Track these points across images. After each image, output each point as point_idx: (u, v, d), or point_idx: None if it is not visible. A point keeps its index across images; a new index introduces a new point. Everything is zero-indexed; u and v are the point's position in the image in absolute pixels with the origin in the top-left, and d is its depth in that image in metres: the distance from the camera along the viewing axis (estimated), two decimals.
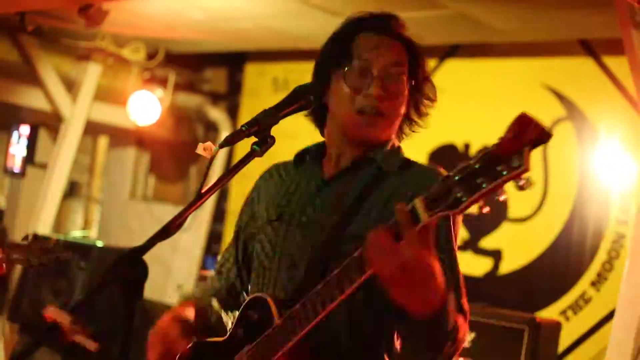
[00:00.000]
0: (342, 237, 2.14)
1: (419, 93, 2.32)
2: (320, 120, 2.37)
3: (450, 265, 2.14)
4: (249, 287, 2.35)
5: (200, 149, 1.96)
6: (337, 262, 1.95)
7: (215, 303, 2.45)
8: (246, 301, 2.21)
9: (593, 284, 5.39)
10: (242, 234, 2.45)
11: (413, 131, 2.38)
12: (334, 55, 2.27)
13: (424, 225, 1.70)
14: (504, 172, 1.61)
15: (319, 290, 1.95)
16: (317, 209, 2.23)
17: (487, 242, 5.79)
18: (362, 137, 2.23)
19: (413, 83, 2.28)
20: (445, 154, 6.04)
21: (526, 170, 1.60)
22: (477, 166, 1.63)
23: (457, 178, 1.65)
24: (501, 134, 1.62)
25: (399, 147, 2.33)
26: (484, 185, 1.62)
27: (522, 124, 1.59)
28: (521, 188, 1.61)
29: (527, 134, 1.61)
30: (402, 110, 2.27)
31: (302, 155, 2.40)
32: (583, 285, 5.43)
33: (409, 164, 2.29)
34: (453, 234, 2.20)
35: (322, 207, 2.23)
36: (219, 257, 2.55)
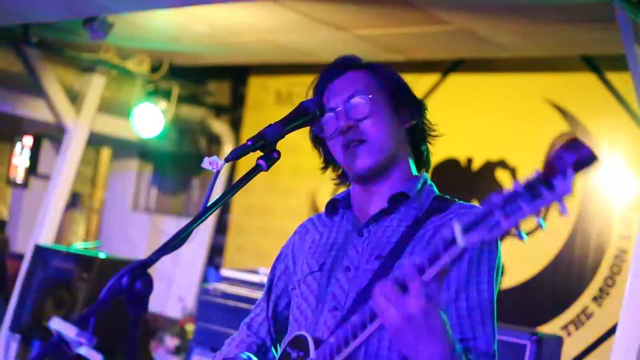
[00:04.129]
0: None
1: (404, 104, 2.30)
2: (323, 153, 2.40)
3: (472, 307, 2.11)
4: (286, 335, 2.29)
5: (206, 163, 1.96)
6: None
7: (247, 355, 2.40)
8: (288, 340, 2.18)
9: (595, 299, 5.39)
10: (275, 288, 2.42)
11: (429, 143, 2.41)
12: (315, 130, 2.31)
13: (458, 253, 1.67)
14: (545, 194, 1.56)
15: (339, 334, 1.94)
16: (360, 252, 2.20)
17: None
18: (355, 171, 2.22)
19: (393, 99, 2.27)
20: (448, 168, 6.05)
21: (569, 193, 1.55)
22: (520, 190, 1.60)
23: (498, 201, 1.63)
24: (547, 154, 1.58)
25: (429, 184, 2.33)
26: (525, 210, 1.59)
27: (570, 146, 1.55)
28: (562, 213, 1.56)
29: (573, 156, 1.56)
30: (385, 128, 2.23)
31: (334, 204, 2.37)
32: (585, 300, 5.42)
33: (444, 200, 2.27)
34: (487, 268, 2.15)
35: (365, 250, 2.20)
36: (250, 313, 2.50)
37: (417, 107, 2.33)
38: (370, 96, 2.22)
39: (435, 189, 2.32)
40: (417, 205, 2.22)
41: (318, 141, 2.37)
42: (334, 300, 2.16)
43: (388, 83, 2.30)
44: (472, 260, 2.12)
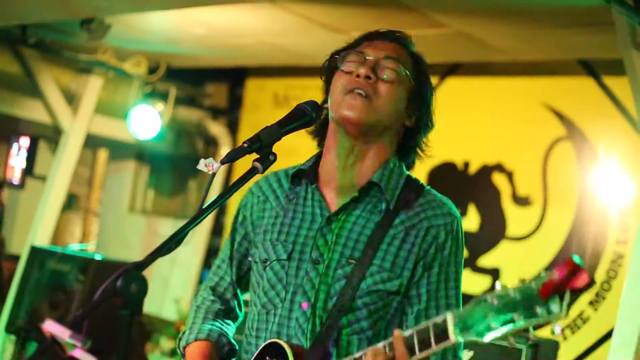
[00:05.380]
0: (358, 290, 2.14)
1: (418, 106, 2.30)
2: (322, 135, 2.34)
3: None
4: (255, 321, 2.29)
5: (201, 165, 1.95)
6: (351, 316, 2.12)
7: (224, 337, 2.39)
8: (265, 344, 2.19)
9: (591, 303, 5.39)
10: (236, 254, 2.41)
11: (421, 150, 2.36)
12: (337, 59, 2.28)
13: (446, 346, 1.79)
14: (541, 315, 1.64)
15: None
16: (330, 247, 2.20)
17: (485, 261, 5.79)
18: (344, 116, 2.18)
19: (413, 91, 2.26)
20: (445, 171, 6.05)
21: (563, 317, 1.62)
22: (517, 298, 1.67)
23: (494, 304, 1.70)
24: (547, 272, 1.63)
25: (400, 165, 2.29)
26: (519, 323, 1.66)
27: (570, 270, 1.60)
28: (556, 333, 1.64)
29: (572, 282, 1.61)
30: (393, 104, 2.22)
31: (299, 176, 2.33)
32: (581, 304, 5.42)
33: (416, 190, 2.27)
34: (455, 268, 2.27)
35: (335, 246, 2.20)
36: (210, 274, 2.49)
37: (426, 116, 2.33)
38: (403, 72, 2.23)
39: (404, 169, 2.31)
40: (387, 195, 2.22)
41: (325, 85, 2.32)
42: (304, 296, 2.18)
43: (421, 78, 2.30)
44: (441, 268, 2.21)
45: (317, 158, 2.33)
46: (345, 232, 2.20)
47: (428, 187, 2.29)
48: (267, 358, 2.16)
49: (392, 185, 2.23)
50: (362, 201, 2.23)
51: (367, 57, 2.22)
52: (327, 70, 2.32)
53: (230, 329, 2.41)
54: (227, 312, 2.43)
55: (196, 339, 2.32)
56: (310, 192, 2.29)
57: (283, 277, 2.22)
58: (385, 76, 2.20)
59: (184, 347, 2.34)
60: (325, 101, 2.26)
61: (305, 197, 2.29)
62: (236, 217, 2.42)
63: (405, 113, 2.27)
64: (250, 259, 2.36)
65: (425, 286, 2.18)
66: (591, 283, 1.66)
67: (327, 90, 2.29)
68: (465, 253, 5.83)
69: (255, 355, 2.20)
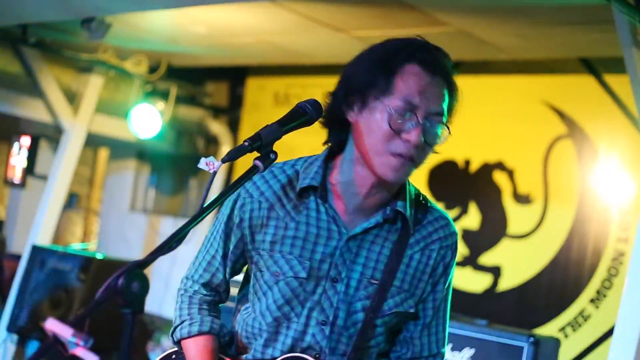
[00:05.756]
0: (380, 310, 2.20)
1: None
2: (340, 136, 2.26)
3: (439, 331, 2.37)
4: (261, 330, 2.27)
5: (202, 164, 1.95)
6: (369, 335, 2.20)
7: (224, 329, 2.39)
8: (286, 356, 2.21)
9: (592, 301, 5.39)
10: (232, 255, 2.35)
11: None
12: (374, 78, 2.15)
13: None
14: None
15: None
16: (349, 267, 2.20)
17: (486, 259, 5.79)
18: (390, 179, 2.14)
19: (449, 132, 2.21)
20: (446, 170, 6.05)
21: None
22: None
23: None
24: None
25: (414, 190, 2.30)
26: None
27: None
28: None
29: None
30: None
31: (308, 191, 2.26)
32: (582, 302, 5.43)
33: (421, 205, 2.29)
34: (451, 289, 2.37)
35: (355, 266, 2.21)
36: (198, 269, 2.44)
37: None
38: (448, 128, 2.18)
39: (414, 190, 2.31)
40: (410, 223, 2.24)
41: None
42: (322, 314, 2.19)
43: (451, 111, 2.25)
44: (446, 288, 2.33)
45: (324, 169, 2.26)
46: (364, 251, 2.22)
47: (430, 202, 2.33)
48: None
49: (413, 212, 2.26)
50: (382, 226, 2.24)
51: (418, 115, 2.12)
52: (356, 88, 2.18)
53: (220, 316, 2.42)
54: (218, 303, 2.45)
55: (199, 332, 2.32)
56: (322, 207, 2.24)
57: (300, 293, 2.21)
58: (431, 143, 2.15)
59: (183, 339, 2.33)
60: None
61: (317, 209, 2.24)
62: (230, 217, 2.33)
63: None
64: (252, 265, 2.32)
65: (431, 302, 2.30)
66: None
67: (348, 102, 2.19)
68: (467, 251, 5.86)
69: None
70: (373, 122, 2.13)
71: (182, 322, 2.35)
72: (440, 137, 2.17)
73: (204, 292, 2.41)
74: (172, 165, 8.03)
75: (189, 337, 2.32)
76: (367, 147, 2.14)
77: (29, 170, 7.21)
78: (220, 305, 2.45)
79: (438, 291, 2.29)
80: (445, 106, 2.19)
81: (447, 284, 2.31)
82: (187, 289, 2.44)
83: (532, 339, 4.24)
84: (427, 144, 2.13)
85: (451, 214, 5.79)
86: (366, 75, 2.16)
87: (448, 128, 2.18)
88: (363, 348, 2.20)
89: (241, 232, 2.32)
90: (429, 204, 2.31)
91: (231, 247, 2.35)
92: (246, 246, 2.32)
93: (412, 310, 2.23)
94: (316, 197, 2.24)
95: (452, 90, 2.24)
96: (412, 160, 2.12)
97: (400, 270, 2.21)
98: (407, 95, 2.12)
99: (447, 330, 2.37)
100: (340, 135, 2.25)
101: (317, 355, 2.19)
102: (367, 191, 2.19)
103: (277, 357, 2.22)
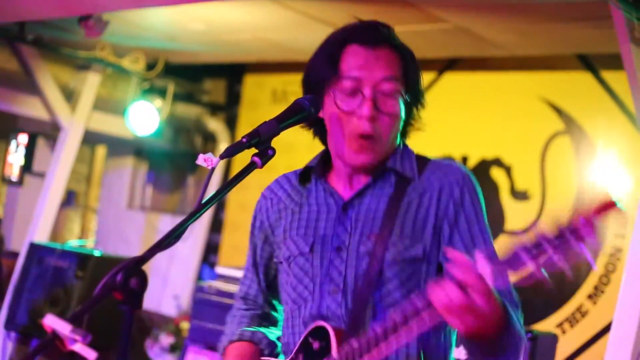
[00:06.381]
0: (383, 262, 2.13)
1: (414, 105, 2.26)
2: (321, 133, 2.31)
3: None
4: (289, 319, 2.29)
5: (200, 160, 1.95)
6: (382, 289, 2.11)
7: (261, 336, 2.39)
8: (310, 328, 2.19)
9: (590, 297, 5.40)
10: (260, 260, 2.40)
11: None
12: (321, 71, 2.22)
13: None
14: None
15: (377, 334, 1.97)
16: (349, 231, 2.20)
17: None
18: (358, 163, 2.18)
19: (408, 98, 2.21)
20: None
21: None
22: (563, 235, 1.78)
23: (552, 237, 1.79)
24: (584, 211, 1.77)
25: (409, 150, 2.29)
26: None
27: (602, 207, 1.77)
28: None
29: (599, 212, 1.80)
30: (397, 128, 2.21)
31: (307, 173, 2.33)
32: (580, 298, 5.43)
33: (423, 162, 2.26)
34: (482, 219, 2.27)
35: (355, 229, 2.19)
36: (239, 285, 2.49)
37: (420, 104, 2.30)
38: (401, 93, 2.17)
39: (410, 150, 2.30)
40: (400, 174, 2.22)
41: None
42: (332, 283, 2.18)
43: (412, 76, 2.24)
44: (469, 223, 2.20)
45: (323, 156, 2.32)
46: (362, 214, 2.20)
47: (433, 158, 2.29)
48: (310, 339, 2.17)
49: (408, 165, 2.24)
50: (376, 185, 2.23)
51: (363, 90, 2.15)
52: (311, 81, 2.27)
53: (270, 330, 2.41)
54: (263, 317, 2.44)
55: (229, 342, 2.36)
56: (321, 185, 2.29)
57: (309, 269, 2.22)
58: (387, 110, 2.16)
59: (221, 355, 2.38)
60: (317, 101, 2.20)
61: (316, 189, 2.30)
62: (253, 224, 2.42)
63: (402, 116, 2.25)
64: (275, 260, 2.36)
65: (460, 242, 2.18)
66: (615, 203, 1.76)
67: (314, 97, 2.21)
68: None
69: (300, 341, 2.21)
70: (329, 112, 2.20)
71: (220, 341, 2.41)
72: (397, 104, 2.17)
73: (244, 306, 2.46)
74: (170, 163, 8.03)
75: (222, 352, 2.38)
76: (333, 139, 2.22)
77: (27, 167, 7.21)
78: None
79: (463, 230, 2.18)
80: (396, 72, 2.18)
81: (474, 221, 2.20)
82: (232, 309, 2.50)
83: (529, 335, 4.25)
84: (383, 113, 2.15)
85: None
86: (316, 73, 2.24)
87: (402, 93, 2.17)
88: (371, 303, 2.13)
89: (264, 234, 2.38)
90: (431, 159, 2.27)
91: (258, 252, 2.41)
92: (271, 246, 2.36)
93: (419, 256, 2.14)
94: (316, 179, 2.30)
95: (404, 55, 2.23)
96: (372, 136, 2.15)
97: (399, 218, 2.16)
98: (349, 73, 2.16)
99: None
100: (323, 135, 2.31)
101: (337, 325, 2.15)
102: (351, 177, 2.24)
103: (297, 341, 2.22)
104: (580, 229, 1.69)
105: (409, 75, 2.22)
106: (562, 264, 1.73)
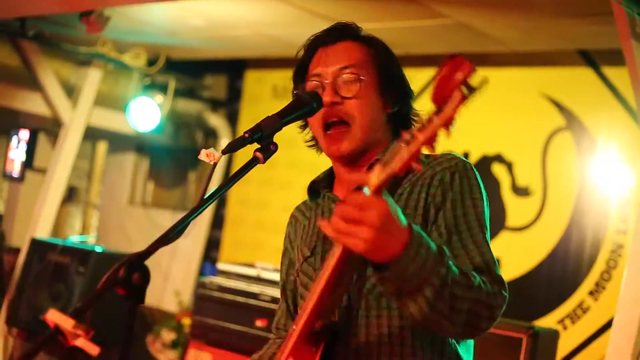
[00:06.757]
0: None
1: (391, 88, 2.26)
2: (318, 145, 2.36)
3: (466, 245, 2.11)
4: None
5: (202, 156, 1.95)
6: (371, 279, 2.08)
7: None
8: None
9: (591, 293, 5.40)
10: (287, 285, 2.44)
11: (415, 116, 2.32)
12: (296, 80, 2.31)
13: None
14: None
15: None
16: None
17: None
18: (337, 153, 2.20)
19: (381, 82, 2.23)
20: None
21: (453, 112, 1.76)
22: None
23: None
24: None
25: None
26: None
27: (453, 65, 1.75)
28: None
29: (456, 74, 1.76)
30: (370, 112, 2.20)
31: (314, 188, 2.37)
32: (581, 294, 5.43)
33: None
34: (471, 203, 2.16)
35: None
36: (275, 317, 2.50)
37: (404, 92, 2.30)
38: (363, 77, 2.19)
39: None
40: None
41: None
42: None
43: (382, 62, 2.26)
44: (454, 203, 2.13)
45: (330, 170, 2.37)
46: None
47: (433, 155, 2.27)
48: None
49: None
50: None
51: (324, 81, 2.20)
52: (296, 99, 2.28)
53: None
54: None
55: None
56: (327, 197, 2.33)
57: (312, 273, 2.25)
58: (349, 95, 2.18)
59: None
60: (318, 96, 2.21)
61: (324, 201, 2.34)
62: (285, 248, 2.47)
63: (382, 106, 2.25)
64: (292, 278, 2.40)
65: (442, 222, 2.10)
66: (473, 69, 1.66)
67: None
68: None
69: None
70: (310, 119, 2.26)
71: None
72: (362, 88, 2.18)
73: (275, 336, 2.47)
74: (171, 159, 8.03)
75: None
76: (318, 141, 2.28)
77: (28, 163, 7.21)
78: None
79: (447, 210, 2.10)
80: (357, 60, 2.21)
81: (459, 202, 2.12)
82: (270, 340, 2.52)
83: (531, 331, 4.25)
84: (347, 98, 2.17)
85: None
86: (294, 84, 2.32)
87: (358, 75, 2.19)
88: (362, 294, 2.11)
89: (288, 259, 2.44)
90: (427, 153, 2.26)
91: (284, 277, 2.45)
92: (294, 268, 2.39)
93: None
94: (324, 190, 2.35)
95: (370, 44, 2.27)
96: (342, 123, 2.18)
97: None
98: (312, 73, 2.24)
99: (482, 246, 2.13)
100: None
101: (336, 320, 2.15)
102: (347, 166, 2.26)
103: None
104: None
105: (378, 62, 2.25)
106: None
